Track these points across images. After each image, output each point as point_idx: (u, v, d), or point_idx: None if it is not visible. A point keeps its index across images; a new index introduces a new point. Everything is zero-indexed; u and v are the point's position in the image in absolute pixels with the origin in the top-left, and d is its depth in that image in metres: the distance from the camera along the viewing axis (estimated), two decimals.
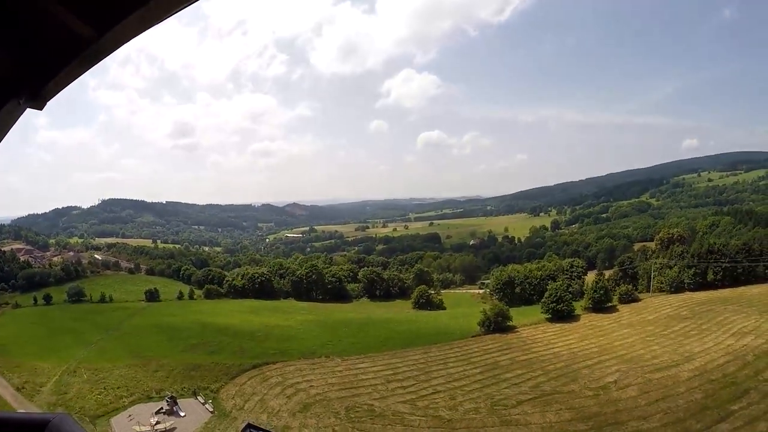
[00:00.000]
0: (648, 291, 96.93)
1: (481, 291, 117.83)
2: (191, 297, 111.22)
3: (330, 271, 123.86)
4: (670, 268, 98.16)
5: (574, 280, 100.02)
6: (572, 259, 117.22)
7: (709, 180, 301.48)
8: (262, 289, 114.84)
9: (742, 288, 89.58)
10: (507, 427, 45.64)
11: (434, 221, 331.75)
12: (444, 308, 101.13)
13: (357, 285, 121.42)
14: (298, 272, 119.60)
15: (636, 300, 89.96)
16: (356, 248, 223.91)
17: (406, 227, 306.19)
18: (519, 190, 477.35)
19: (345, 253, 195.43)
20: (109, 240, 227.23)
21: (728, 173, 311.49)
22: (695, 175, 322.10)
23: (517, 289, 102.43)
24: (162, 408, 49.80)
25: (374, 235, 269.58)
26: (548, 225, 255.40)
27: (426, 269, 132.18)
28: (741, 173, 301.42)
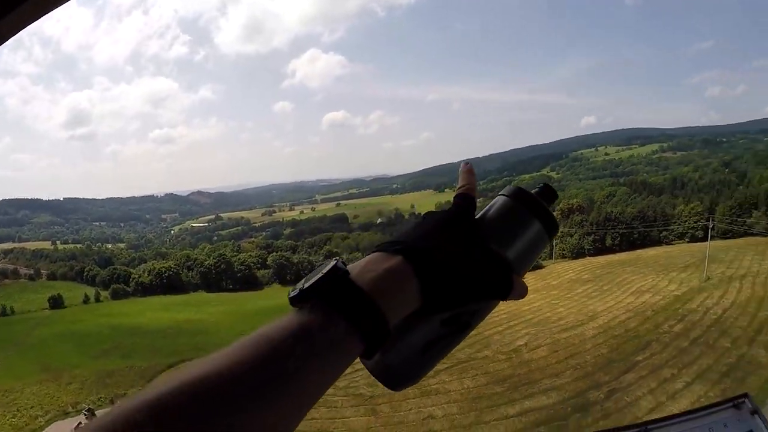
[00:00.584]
0: (551, 258, 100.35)
1: None
2: (98, 299, 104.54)
3: (239, 259, 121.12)
4: (571, 236, 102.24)
5: None
6: None
7: (606, 154, 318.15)
8: (170, 284, 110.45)
9: (639, 251, 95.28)
10: (428, 397, 46.16)
11: (341, 202, 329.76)
12: None
13: (267, 271, 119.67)
14: (206, 263, 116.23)
15: (540, 267, 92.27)
16: (264, 234, 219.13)
17: (313, 209, 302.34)
18: (425, 168, 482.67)
19: (253, 239, 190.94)
20: (5, 246, 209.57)
21: (624, 148, 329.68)
22: (593, 149, 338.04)
23: None
24: (80, 423, 46.93)
25: (281, 219, 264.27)
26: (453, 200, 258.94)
27: (335, 250, 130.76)
28: (636, 147, 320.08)
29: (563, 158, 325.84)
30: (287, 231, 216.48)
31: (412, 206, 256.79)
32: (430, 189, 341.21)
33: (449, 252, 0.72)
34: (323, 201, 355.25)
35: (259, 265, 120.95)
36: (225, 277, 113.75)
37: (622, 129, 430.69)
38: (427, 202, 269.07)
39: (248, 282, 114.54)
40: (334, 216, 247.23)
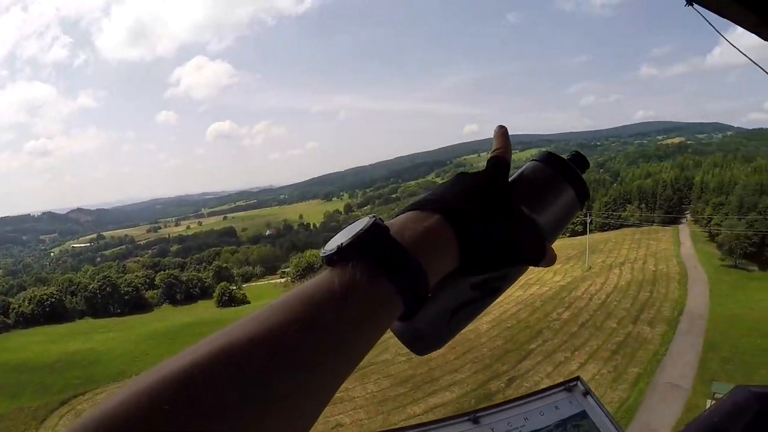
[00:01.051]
0: None
1: (282, 280, 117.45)
2: None
3: (125, 280, 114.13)
4: None
5: None
6: None
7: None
8: (54, 312, 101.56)
9: None
10: (334, 406, 46.02)
11: (228, 215, 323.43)
12: (248, 302, 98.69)
13: (156, 291, 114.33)
14: (91, 286, 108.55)
15: None
16: (150, 252, 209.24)
17: (200, 224, 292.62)
18: (312, 177, 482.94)
19: (138, 258, 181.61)
20: None
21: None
22: (476, 155, 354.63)
23: None
24: None
25: (168, 236, 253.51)
26: (341, 209, 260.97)
27: (225, 265, 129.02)
28: (516, 152, 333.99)
29: (447, 164, 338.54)
30: (174, 248, 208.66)
31: (301, 216, 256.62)
32: (318, 198, 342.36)
33: (487, 214, 0.70)
34: (210, 215, 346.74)
35: (147, 286, 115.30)
36: (112, 301, 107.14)
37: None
38: (315, 211, 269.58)
39: (137, 304, 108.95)
40: (222, 230, 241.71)
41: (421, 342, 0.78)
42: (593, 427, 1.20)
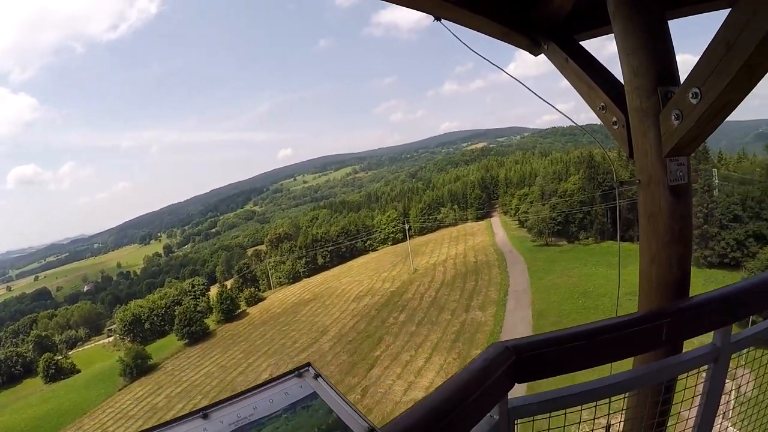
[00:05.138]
0: (270, 288, 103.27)
1: (110, 339, 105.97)
2: None
3: None
4: (284, 263, 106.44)
5: (199, 298, 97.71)
6: (192, 279, 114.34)
7: (305, 182, 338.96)
8: None
9: (350, 262, 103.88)
10: None
11: (39, 274, 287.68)
12: (78, 371, 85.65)
13: None
14: None
15: (262, 299, 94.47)
16: None
17: (9, 288, 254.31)
18: (125, 220, 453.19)
19: None
20: None
21: (320, 174, 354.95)
22: (292, 179, 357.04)
23: (147, 325, 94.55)
24: None
25: None
26: (161, 251, 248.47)
27: (45, 333, 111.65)
28: (331, 172, 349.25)
29: (265, 191, 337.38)
30: None
31: (119, 264, 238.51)
32: (135, 243, 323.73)
33: None
34: (19, 276, 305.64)
35: None
36: None
37: (318, 157, 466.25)
38: (134, 257, 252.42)
39: None
40: (34, 292, 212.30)
41: None
42: (323, 405, 1.41)
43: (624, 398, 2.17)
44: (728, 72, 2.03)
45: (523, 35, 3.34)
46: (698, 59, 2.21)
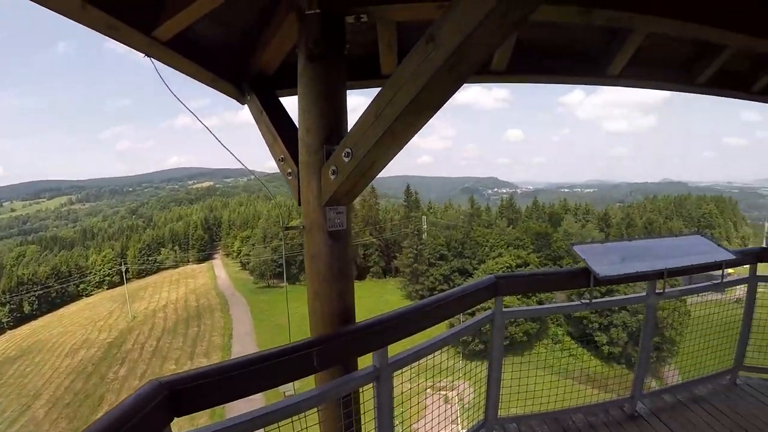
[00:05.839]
0: None
1: None
2: None
3: None
4: None
5: None
6: None
7: (13, 210, 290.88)
8: None
9: (61, 310, 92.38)
10: None
11: None
12: None
13: None
14: None
15: None
16: None
17: None
18: None
19: None
20: None
21: (32, 202, 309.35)
22: None
23: None
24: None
25: None
26: None
27: None
28: (44, 201, 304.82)
29: None
30: None
31: None
32: None
33: None
34: None
35: None
36: None
37: (31, 181, 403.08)
38: None
39: None
40: None
41: None
42: None
43: (318, 411, 2.74)
44: (375, 136, 2.45)
45: (232, 84, 3.61)
46: (353, 125, 2.63)
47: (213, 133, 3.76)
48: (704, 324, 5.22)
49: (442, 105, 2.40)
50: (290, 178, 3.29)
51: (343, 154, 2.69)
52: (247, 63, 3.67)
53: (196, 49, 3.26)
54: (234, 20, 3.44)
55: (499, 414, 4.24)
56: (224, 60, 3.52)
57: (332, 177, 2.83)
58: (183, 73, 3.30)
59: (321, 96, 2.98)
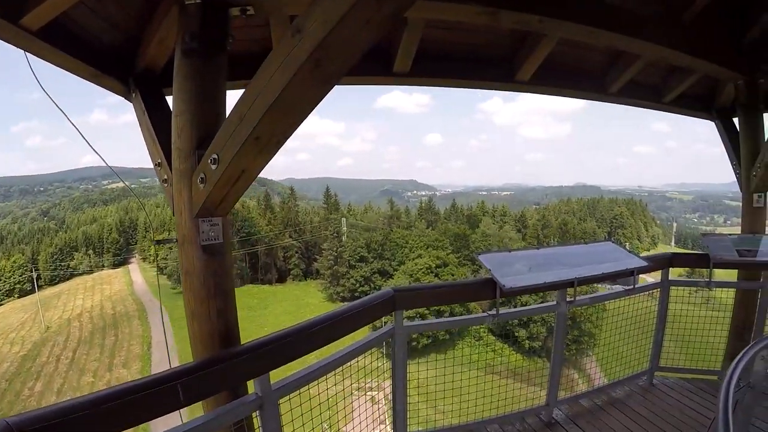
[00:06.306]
0: None
1: None
2: None
3: None
4: None
5: None
6: None
7: None
8: None
9: None
10: None
11: None
12: None
13: None
14: None
15: None
16: None
17: None
18: None
19: None
20: None
21: None
22: None
23: None
24: None
25: None
26: None
27: None
28: None
29: None
30: None
31: None
32: None
33: None
34: None
35: None
36: None
37: None
38: None
39: None
40: None
41: None
42: None
43: None
44: (239, 141, 2.23)
45: (118, 81, 3.35)
46: (220, 128, 2.41)
47: (79, 130, 3.55)
48: (620, 315, 5.22)
49: (311, 108, 2.19)
50: (165, 185, 3.02)
51: (210, 161, 2.47)
52: (133, 58, 3.38)
53: (76, 41, 3.01)
54: (116, 11, 3.15)
55: (408, 429, 4.09)
56: (108, 54, 3.25)
57: (201, 186, 2.60)
58: (59, 67, 3.02)
59: (195, 95, 2.68)
